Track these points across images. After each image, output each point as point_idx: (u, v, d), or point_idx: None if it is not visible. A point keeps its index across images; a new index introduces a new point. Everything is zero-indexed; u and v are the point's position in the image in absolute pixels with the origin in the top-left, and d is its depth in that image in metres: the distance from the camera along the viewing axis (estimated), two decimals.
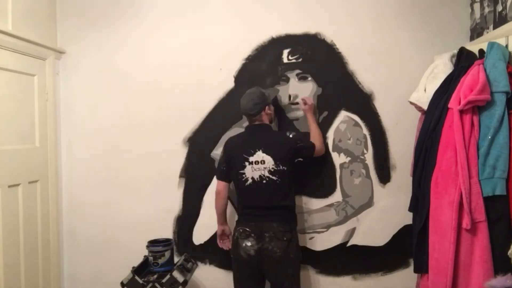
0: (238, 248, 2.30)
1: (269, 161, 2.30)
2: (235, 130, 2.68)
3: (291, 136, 2.40)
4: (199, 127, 2.71)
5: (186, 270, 2.46)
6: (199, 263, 2.73)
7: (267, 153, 2.31)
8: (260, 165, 2.31)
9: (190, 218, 2.74)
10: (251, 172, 2.32)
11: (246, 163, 2.32)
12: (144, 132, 2.73)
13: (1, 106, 2.26)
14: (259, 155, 2.31)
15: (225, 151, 2.45)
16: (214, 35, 2.67)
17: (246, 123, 2.66)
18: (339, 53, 2.62)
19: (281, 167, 2.30)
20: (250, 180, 2.32)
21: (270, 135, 2.41)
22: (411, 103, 2.26)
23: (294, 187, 2.41)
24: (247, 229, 2.29)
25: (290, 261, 2.28)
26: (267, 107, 2.40)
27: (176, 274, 2.35)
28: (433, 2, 2.57)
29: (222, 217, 2.50)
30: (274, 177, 2.30)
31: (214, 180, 2.69)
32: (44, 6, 2.65)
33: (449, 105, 1.90)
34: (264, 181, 2.30)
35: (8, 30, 2.27)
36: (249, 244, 2.27)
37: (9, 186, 2.30)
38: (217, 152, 2.69)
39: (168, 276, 2.33)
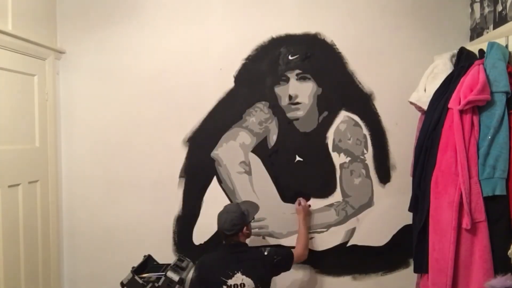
0: None
1: (250, 284, 2.14)
2: (235, 130, 2.68)
3: (266, 253, 2.24)
4: (199, 127, 2.70)
5: (181, 269, 2.45)
6: None
7: (247, 275, 2.14)
8: None
9: (190, 218, 2.74)
10: None
11: (224, 287, 2.14)
12: (144, 132, 2.73)
13: (1, 106, 2.26)
14: (239, 277, 2.14)
15: (199, 273, 2.23)
16: (214, 35, 2.67)
17: (246, 123, 2.67)
18: (339, 53, 2.62)
19: None
20: None
21: (247, 255, 2.23)
22: (411, 103, 2.26)
23: None
24: None
25: None
26: (245, 227, 2.27)
27: (170, 274, 2.35)
28: (433, 2, 2.57)
29: None
30: None
31: (214, 180, 2.71)
32: (44, 6, 2.64)
33: (449, 105, 1.90)
34: None
35: (8, 30, 2.27)
36: None
37: (9, 186, 2.29)
38: (217, 152, 2.70)
39: (163, 278, 2.33)
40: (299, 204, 2.59)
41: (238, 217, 2.24)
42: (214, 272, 2.18)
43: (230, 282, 2.14)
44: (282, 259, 2.28)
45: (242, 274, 2.15)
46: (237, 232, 2.23)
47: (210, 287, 2.17)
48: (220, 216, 2.27)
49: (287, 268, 2.31)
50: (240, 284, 2.14)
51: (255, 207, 2.46)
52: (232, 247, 2.24)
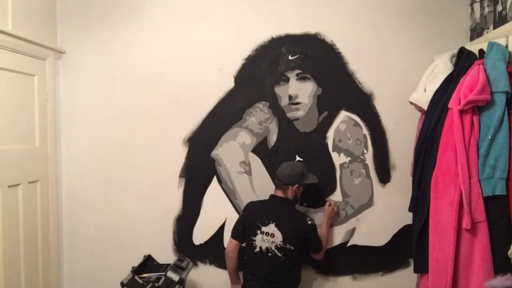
0: None
1: (278, 237, 2.32)
2: (235, 130, 2.68)
3: (309, 222, 2.37)
4: (199, 127, 2.70)
5: (181, 269, 2.45)
6: (199, 263, 2.73)
7: (279, 229, 2.33)
8: (269, 237, 2.33)
9: (190, 218, 2.74)
10: (260, 241, 2.35)
11: (258, 231, 2.36)
12: (144, 132, 2.73)
13: (1, 106, 2.25)
14: (271, 228, 2.34)
15: (244, 213, 2.49)
16: (214, 35, 2.67)
17: (246, 123, 2.67)
18: (339, 53, 2.62)
19: (288, 246, 2.32)
20: (258, 249, 2.36)
21: (288, 212, 2.39)
22: (411, 103, 2.26)
23: (300, 265, 2.43)
24: None
25: None
26: (297, 185, 2.40)
27: (170, 274, 2.35)
28: (433, 2, 2.57)
29: (233, 276, 2.53)
30: (279, 254, 2.32)
31: (214, 180, 2.71)
32: (44, 6, 2.64)
33: (449, 105, 1.90)
34: (270, 254, 2.33)
35: (8, 30, 2.27)
36: None
37: (9, 186, 2.29)
38: (217, 152, 2.70)
39: (163, 278, 2.33)
40: (329, 204, 2.59)
41: (298, 172, 2.40)
42: (254, 216, 2.41)
43: (264, 229, 2.36)
44: (314, 240, 2.40)
45: (275, 226, 2.34)
46: (289, 184, 2.38)
47: (248, 227, 2.40)
48: (284, 164, 2.44)
49: (310, 249, 2.43)
50: (271, 234, 2.33)
51: (314, 178, 2.52)
52: (277, 199, 2.42)
